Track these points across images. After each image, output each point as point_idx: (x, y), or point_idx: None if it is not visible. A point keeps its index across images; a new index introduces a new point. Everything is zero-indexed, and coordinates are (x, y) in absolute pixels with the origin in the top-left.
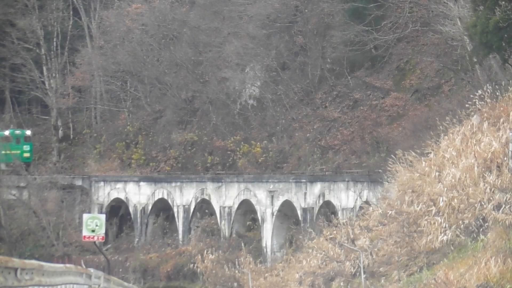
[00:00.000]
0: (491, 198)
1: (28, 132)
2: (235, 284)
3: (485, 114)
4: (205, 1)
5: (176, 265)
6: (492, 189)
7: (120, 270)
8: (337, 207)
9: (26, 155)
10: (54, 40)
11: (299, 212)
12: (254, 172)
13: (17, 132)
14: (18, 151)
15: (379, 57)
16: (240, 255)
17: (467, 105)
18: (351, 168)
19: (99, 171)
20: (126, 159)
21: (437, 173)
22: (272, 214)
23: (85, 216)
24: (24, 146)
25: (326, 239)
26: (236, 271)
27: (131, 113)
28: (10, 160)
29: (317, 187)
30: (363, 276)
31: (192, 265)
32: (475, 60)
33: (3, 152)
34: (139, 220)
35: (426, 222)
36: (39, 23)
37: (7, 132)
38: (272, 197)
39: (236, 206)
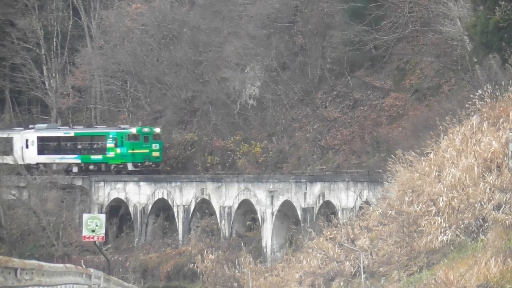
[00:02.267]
0: (491, 198)
1: (158, 130)
2: (235, 284)
3: (485, 114)
4: (205, 1)
5: (176, 265)
6: (492, 189)
7: (120, 270)
8: (337, 207)
9: (156, 154)
10: (54, 40)
11: (299, 212)
12: (254, 172)
13: (145, 129)
14: (147, 150)
15: (379, 57)
16: (240, 255)
17: (467, 105)
18: (351, 168)
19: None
20: None
21: (437, 173)
22: (272, 214)
23: (85, 216)
24: (153, 145)
25: (326, 239)
26: (236, 271)
27: (131, 113)
28: (138, 160)
29: (317, 187)
30: (363, 276)
31: (192, 265)
32: (475, 60)
33: (129, 151)
34: (139, 220)
35: (426, 222)
36: (39, 23)
37: (134, 130)
38: (272, 197)
39: (236, 206)
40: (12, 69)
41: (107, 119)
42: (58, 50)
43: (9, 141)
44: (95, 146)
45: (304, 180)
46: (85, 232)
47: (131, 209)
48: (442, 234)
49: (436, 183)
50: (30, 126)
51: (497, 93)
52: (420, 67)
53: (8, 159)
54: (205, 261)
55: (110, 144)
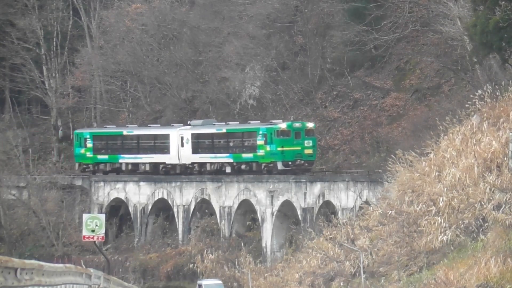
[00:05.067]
0: (491, 198)
1: (310, 125)
2: (235, 284)
3: (485, 114)
4: (205, 1)
5: (176, 265)
6: (492, 189)
7: (120, 270)
8: (337, 207)
9: (308, 151)
10: (54, 40)
11: (299, 212)
12: (254, 172)
13: (297, 124)
14: (298, 148)
15: (379, 57)
16: (240, 255)
17: (467, 105)
18: (351, 168)
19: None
20: None
21: (437, 173)
22: (272, 214)
23: (85, 216)
24: (306, 142)
25: (326, 239)
26: (236, 271)
27: (131, 113)
28: (288, 158)
29: (317, 187)
30: (363, 276)
31: (192, 265)
32: (475, 60)
33: (279, 149)
34: (139, 220)
35: (426, 222)
36: (39, 23)
37: (283, 125)
38: (272, 197)
39: (236, 206)
40: (12, 69)
41: (107, 119)
42: (58, 50)
43: (166, 138)
44: (246, 144)
45: (304, 180)
46: (85, 232)
47: (131, 209)
48: (442, 234)
49: (436, 183)
50: (189, 121)
51: (497, 93)
52: (420, 67)
53: (165, 158)
54: (205, 261)
55: (260, 141)
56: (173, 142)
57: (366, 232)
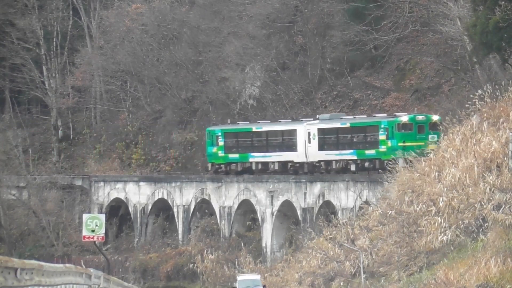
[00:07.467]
0: (491, 198)
1: (436, 117)
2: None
3: (485, 114)
4: (205, 1)
5: (176, 265)
6: (492, 189)
7: (120, 270)
8: (337, 207)
9: (433, 147)
10: (54, 40)
11: (299, 212)
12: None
13: (420, 117)
14: (422, 143)
15: (379, 57)
16: (240, 255)
17: (467, 105)
18: None
19: (99, 171)
20: (126, 159)
21: (437, 173)
22: (272, 214)
23: (85, 216)
24: (430, 136)
25: (326, 239)
26: (236, 271)
27: (131, 113)
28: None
29: (317, 187)
30: (363, 276)
31: (192, 265)
32: (475, 60)
33: (400, 144)
34: (139, 220)
35: (426, 222)
36: (39, 23)
37: (405, 118)
38: (272, 197)
39: (236, 206)
40: (12, 69)
41: (107, 119)
42: (58, 50)
43: (293, 134)
44: (368, 139)
45: (304, 180)
46: (85, 232)
47: (131, 209)
48: (442, 234)
49: (436, 183)
50: (317, 115)
51: (497, 93)
52: (420, 67)
53: (293, 156)
54: (205, 261)
55: (382, 136)
56: (300, 138)
57: (366, 232)
